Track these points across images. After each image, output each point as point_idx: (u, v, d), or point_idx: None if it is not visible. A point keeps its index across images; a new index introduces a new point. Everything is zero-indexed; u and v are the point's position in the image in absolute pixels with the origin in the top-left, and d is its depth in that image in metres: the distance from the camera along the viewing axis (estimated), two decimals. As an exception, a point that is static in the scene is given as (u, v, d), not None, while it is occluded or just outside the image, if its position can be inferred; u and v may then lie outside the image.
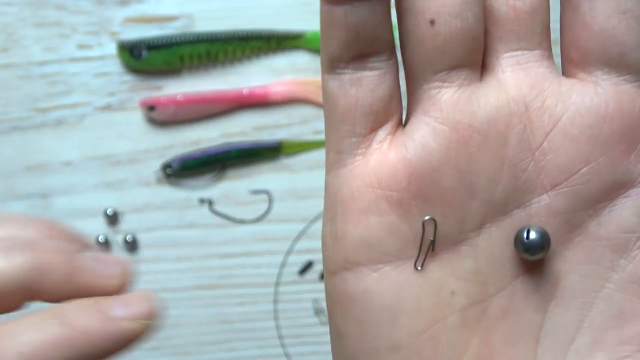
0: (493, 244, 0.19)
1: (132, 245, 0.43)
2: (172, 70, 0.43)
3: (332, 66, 0.19)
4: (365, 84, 0.19)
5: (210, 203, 0.43)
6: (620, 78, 0.19)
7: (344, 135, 0.19)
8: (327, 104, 0.20)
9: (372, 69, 0.19)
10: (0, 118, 0.43)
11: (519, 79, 0.19)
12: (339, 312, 0.20)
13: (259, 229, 0.43)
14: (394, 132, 0.20)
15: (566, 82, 0.19)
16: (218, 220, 0.43)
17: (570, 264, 0.19)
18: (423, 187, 0.19)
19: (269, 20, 0.43)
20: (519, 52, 0.19)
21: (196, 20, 0.44)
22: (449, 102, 0.19)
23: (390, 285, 0.19)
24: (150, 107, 0.42)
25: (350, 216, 0.19)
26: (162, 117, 0.43)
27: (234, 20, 0.43)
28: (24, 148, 0.43)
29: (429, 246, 0.19)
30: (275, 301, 0.43)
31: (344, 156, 0.20)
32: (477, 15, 0.19)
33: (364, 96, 0.19)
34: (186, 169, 0.43)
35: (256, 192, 0.43)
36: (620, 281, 0.19)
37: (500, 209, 0.19)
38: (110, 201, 0.43)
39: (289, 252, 0.43)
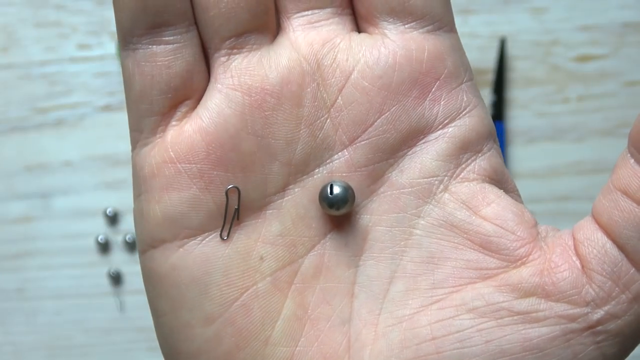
0: (298, 204, 0.19)
1: (132, 245, 0.43)
2: (172, 70, 0.43)
3: (125, 40, 0.19)
4: (160, 59, 0.18)
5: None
6: (406, 26, 0.19)
7: (143, 115, 0.19)
8: (124, 82, 0.19)
9: (166, 42, 0.18)
10: (0, 118, 0.43)
11: (309, 37, 0.19)
12: (151, 291, 0.20)
13: (259, 229, 0.43)
14: (195, 108, 0.19)
15: (356, 37, 0.19)
16: (218, 220, 0.43)
17: (377, 216, 0.19)
18: (222, 155, 0.19)
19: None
20: (310, 12, 0.19)
21: (196, 20, 0.44)
22: (240, 68, 0.19)
23: (197, 258, 0.19)
24: (150, 107, 0.42)
25: (152, 194, 0.19)
26: (162, 117, 0.43)
27: (234, 20, 0.43)
28: (24, 148, 0.43)
29: (233, 215, 0.19)
30: (275, 301, 0.43)
31: (144, 134, 0.19)
32: None
33: (159, 73, 0.19)
34: (186, 169, 0.43)
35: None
36: (427, 226, 0.19)
37: (301, 169, 0.19)
38: (110, 201, 0.43)
39: (289, 252, 0.43)
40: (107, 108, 0.43)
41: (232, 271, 0.19)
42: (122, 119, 0.43)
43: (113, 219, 0.43)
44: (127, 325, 0.43)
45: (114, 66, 0.43)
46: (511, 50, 0.43)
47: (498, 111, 0.43)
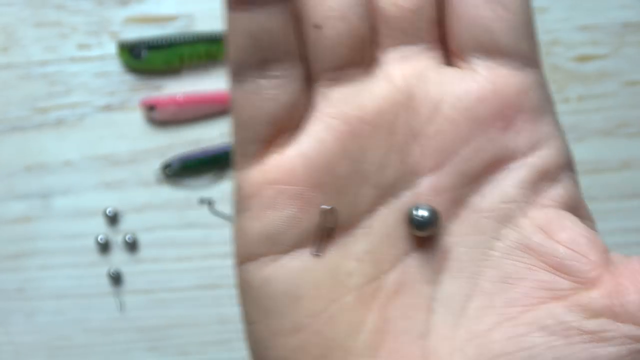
0: (385, 224, 0.20)
1: (132, 245, 0.43)
2: (172, 70, 0.43)
3: (235, 73, 0.20)
4: (267, 92, 0.20)
5: (210, 203, 0.43)
6: (495, 63, 0.20)
7: (248, 141, 0.20)
8: (232, 110, 0.21)
9: (274, 77, 0.20)
10: (0, 118, 0.43)
11: (404, 71, 0.20)
12: (245, 300, 0.21)
13: (259, 229, 0.43)
14: (296, 134, 0.20)
15: (447, 71, 0.20)
16: (218, 220, 0.43)
17: (458, 237, 0.20)
18: (319, 178, 0.20)
19: (269, 20, 0.43)
20: (404, 47, 0.21)
21: (196, 20, 0.44)
22: (340, 98, 0.20)
23: (290, 272, 0.20)
24: (150, 107, 0.42)
25: (252, 211, 0.20)
26: (162, 117, 0.43)
27: (234, 20, 0.43)
28: (24, 148, 0.43)
29: (326, 233, 0.20)
30: (275, 301, 0.43)
31: (248, 158, 0.21)
32: (361, 17, 0.20)
33: (266, 105, 0.20)
34: (186, 169, 0.43)
35: (256, 192, 0.44)
36: (505, 248, 0.20)
37: (390, 192, 0.20)
38: (110, 201, 0.43)
39: (289, 252, 0.43)
40: (107, 108, 0.43)
41: (321, 285, 0.20)
42: (122, 119, 0.43)
43: (113, 219, 0.43)
44: (127, 325, 0.43)
45: (114, 66, 0.43)
46: (511, 50, 0.44)
47: (498, 111, 0.43)
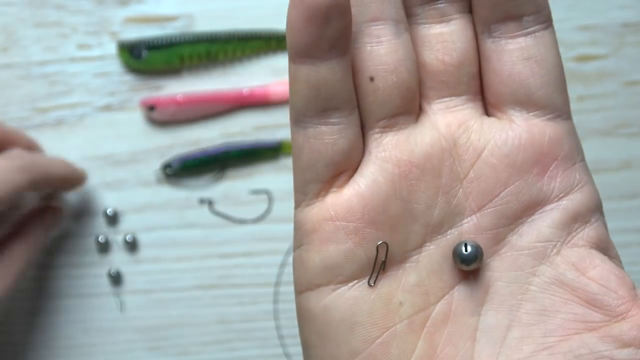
0: (432, 260, 0.22)
1: (132, 245, 0.43)
2: (172, 70, 0.43)
3: (297, 119, 0.22)
4: (327, 137, 0.22)
5: (210, 203, 0.43)
6: (531, 114, 0.22)
7: (308, 182, 0.22)
8: (293, 152, 0.23)
9: (333, 124, 0.22)
10: (0, 118, 0.43)
11: (448, 120, 0.22)
12: (305, 326, 0.23)
13: (259, 229, 0.43)
14: (352, 175, 0.23)
15: (487, 121, 0.23)
16: (218, 220, 0.43)
17: (498, 272, 0.22)
18: (374, 216, 0.22)
19: (269, 20, 0.43)
20: (448, 98, 0.23)
21: (196, 20, 0.44)
22: (391, 143, 0.22)
23: (347, 301, 0.22)
24: (150, 107, 0.42)
25: (312, 245, 0.22)
26: (162, 117, 0.43)
27: (234, 20, 0.43)
28: (24, 148, 0.43)
29: (380, 266, 0.22)
30: (275, 301, 0.43)
31: (308, 197, 0.23)
32: (410, 70, 0.22)
33: (325, 149, 0.22)
34: (186, 169, 0.43)
35: (256, 192, 0.43)
36: (541, 283, 0.21)
37: (436, 229, 0.22)
38: (110, 201, 0.43)
39: (289, 252, 0.43)
40: (107, 108, 0.43)
41: (375, 313, 0.22)
42: (122, 119, 0.43)
43: (113, 219, 0.43)
44: (127, 325, 0.43)
45: (114, 66, 0.43)
46: (511, 50, 0.43)
47: (498, 111, 0.43)
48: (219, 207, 0.43)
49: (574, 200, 0.22)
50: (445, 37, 0.23)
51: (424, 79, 0.23)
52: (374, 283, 0.22)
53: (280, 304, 0.43)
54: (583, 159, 0.23)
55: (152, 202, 0.43)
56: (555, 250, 0.22)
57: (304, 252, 0.23)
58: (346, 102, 0.22)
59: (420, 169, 0.22)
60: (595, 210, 0.22)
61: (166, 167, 0.43)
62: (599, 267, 0.21)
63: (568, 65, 0.44)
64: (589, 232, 0.22)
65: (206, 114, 0.43)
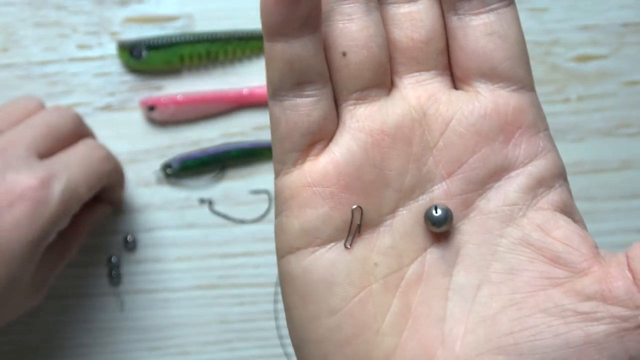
0: (405, 223, 0.24)
1: (132, 245, 0.43)
2: (172, 70, 0.43)
3: (274, 93, 0.23)
4: (302, 109, 0.23)
5: (210, 203, 0.43)
6: (496, 86, 0.23)
7: (286, 151, 0.24)
8: (272, 125, 0.24)
9: (308, 96, 0.23)
10: (0, 118, 0.43)
11: (418, 93, 0.24)
12: (286, 289, 0.24)
13: (259, 229, 0.43)
14: (327, 145, 0.24)
15: (455, 93, 0.24)
16: (218, 220, 0.43)
17: (468, 235, 0.23)
18: (349, 182, 0.23)
19: (269, 20, 0.43)
20: (418, 73, 0.24)
21: (196, 20, 0.44)
22: (364, 115, 0.24)
23: (325, 262, 0.23)
24: (150, 107, 0.42)
25: (291, 211, 0.24)
26: (162, 117, 0.43)
27: (234, 20, 0.43)
28: (24, 148, 0.43)
29: (356, 229, 0.23)
30: (275, 301, 0.43)
31: (286, 166, 0.24)
32: (381, 46, 0.23)
33: (301, 120, 0.23)
34: (186, 169, 0.43)
35: (256, 192, 0.43)
36: (508, 244, 0.23)
37: (409, 195, 0.24)
38: (110, 201, 0.43)
39: (289, 252, 0.43)
40: (107, 108, 0.43)
41: (352, 273, 0.23)
42: (122, 119, 0.43)
43: (113, 219, 0.43)
44: (127, 325, 0.43)
45: (114, 66, 0.43)
46: (511, 50, 0.43)
47: (498, 111, 0.43)
48: (219, 207, 0.43)
49: (538, 166, 0.23)
50: (413, 16, 0.24)
51: (395, 56, 0.24)
52: (350, 245, 0.23)
53: (280, 304, 0.43)
54: (547, 129, 0.24)
55: (152, 202, 0.43)
56: (521, 213, 0.23)
57: (284, 218, 0.24)
58: (319, 76, 0.23)
59: (391, 138, 0.23)
60: (559, 176, 0.24)
61: (166, 167, 0.43)
62: (562, 228, 0.22)
63: (568, 65, 0.44)
64: (553, 196, 0.23)
65: (206, 114, 0.43)
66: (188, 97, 0.43)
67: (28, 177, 0.32)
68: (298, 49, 0.22)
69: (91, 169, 0.36)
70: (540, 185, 0.23)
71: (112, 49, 0.43)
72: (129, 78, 0.43)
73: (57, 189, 0.33)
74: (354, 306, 0.23)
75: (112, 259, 0.43)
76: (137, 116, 0.43)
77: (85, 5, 0.43)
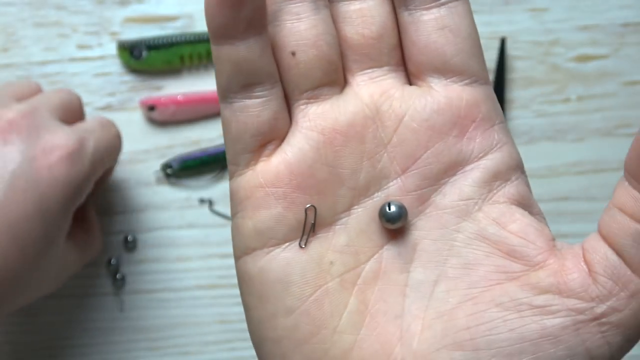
0: (361, 221, 0.23)
1: (132, 245, 0.43)
2: (172, 70, 0.43)
3: (223, 95, 0.23)
4: (252, 110, 0.23)
5: (210, 203, 0.43)
6: (449, 80, 0.23)
7: (238, 152, 0.24)
8: (223, 127, 0.24)
9: (256, 97, 0.23)
10: (0, 118, 0.43)
11: (371, 89, 0.24)
12: (244, 290, 0.24)
13: (259, 229, 0.43)
14: (279, 145, 0.24)
15: (408, 89, 0.24)
16: (218, 220, 0.43)
17: (424, 231, 0.23)
18: (302, 181, 0.23)
19: (269, 20, 0.43)
20: (370, 70, 0.24)
21: (196, 20, 0.44)
22: (316, 113, 0.23)
23: (280, 262, 0.23)
24: (150, 107, 0.42)
25: (246, 212, 0.24)
26: (162, 117, 0.43)
27: (234, 20, 0.43)
28: (24, 148, 0.43)
29: (310, 228, 0.23)
30: (275, 301, 0.43)
31: (240, 167, 0.24)
32: (330, 44, 0.23)
33: (251, 121, 0.23)
34: (186, 169, 0.43)
35: (256, 192, 0.43)
36: (464, 239, 0.23)
37: (363, 192, 0.23)
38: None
39: (289, 252, 0.43)
40: (107, 108, 0.43)
41: (308, 273, 0.23)
42: (122, 119, 0.43)
43: (113, 219, 0.43)
44: (127, 325, 0.43)
45: (114, 66, 0.43)
46: (511, 50, 0.43)
47: (498, 111, 0.43)
48: (219, 207, 0.43)
49: (494, 160, 0.23)
50: (364, 12, 0.24)
51: (347, 53, 0.24)
52: (305, 244, 0.23)
53: (280, 304, 0.43)
54: (502, 121, 0.24)
55: (152, 202, 0.43)
56: (476, 207, 0.23)
57: (239, 220, 0.24)
58: (268, 77, 0.23)
59: (344, 136, 0.23)
60: (515, 168, 0.23)
61: (166, 167, 0.43)
62: (518, 221, 0.22)
63: (568, 65, 0.44)
64: (509, 189, 0.23)
65: (206, 114, 0.43)
66: (188, 97, 0.43)
67: (64, 137, 0.33)
68: (244, 50, 0.22)
69: (110, 139, 0.37)
70: (496, 178, 0.23)
71: (112, 49, 0.43)
72: (129, 78, 0.43)
73: (89, 150, 0.34)
74: (310, 305, 0.23)
75: (112, 261, 0.43)
76: (137, 116, 0.43)
77: (85, 5, 0.43)
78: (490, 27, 0.44)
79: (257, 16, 0.22)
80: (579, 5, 0.44)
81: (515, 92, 0.44)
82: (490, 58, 0.43)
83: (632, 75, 0.44)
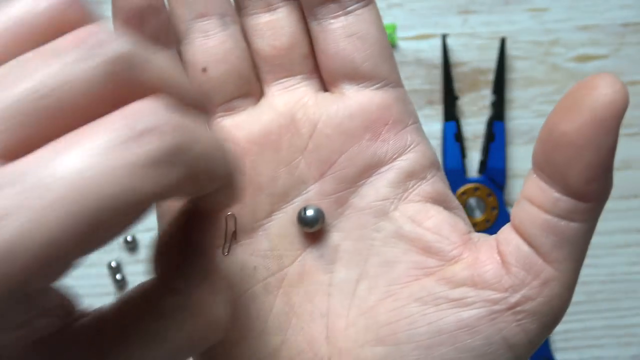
0: (282, 226, 0.24)
1: (132, 245, 0.43)
2: (172, 70, 0.43)
3: None
4: None
5: (210, 203, 0.43)
6: (360, 86, 0.24)
7: None
8: None
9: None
10: (0, 118, 0.43)
11: (285, 99, 0.24)
12: None
13: (259, 229, 0.43)
14: None
15: (322, 96, 0.24)
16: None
17: (344, 232, 0.24)
18: None
19: (269, 21, 0.43)
20: (285, 79, 0.25)
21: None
22: (231, 125, 0.24)
23: None
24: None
25: (164, 225, 0.23)
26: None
27: (234, 20, 0.43)
28: (24, 148, 0.43)
29: (231, 236, 0.24)
30: (276, 301, 0.43)
31: None
32: (240, 58, 0.24)
33: None
34: (186, 169, 0.43)
35: (256, 192, 0.43)
36: (383, 238, 0.23)
37: (283, 198, 0.24)
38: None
39: (289, 252, 0.43)
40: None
41: (232, 279, 0.23)
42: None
43: (113, 219, 0.43)
44: (127, 325, 0.43)
45: (114, 66, 0.43)
46: (511, 50, 0.43)
47: (498, 111, 0.43)
48: (219, 207, 0.43)
49: (408, 160, 0.24)
50: (274, 24, 0.25)
51: (261, 65, 0.25)
52: (227, 252, 0.24)
53: (280, 304, 0.43)
54: (415, 122, 0.25)
55: (152, 202, 0.43)
56: (393, 207, 0.23)
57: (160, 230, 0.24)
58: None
59: (258, 146, 0.24)
60: (430, 167, 0.24)
61: (166, 167, 0.43)
62: (433, 218, 0.23)
63: (568, 65, 0.44)
64: (425, 187, 0.24)
65: (206, 114, 0.43)
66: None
67: None
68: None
69: None
70: (411, 177, 0.24)
71: (112, 49, 0.43)
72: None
73: None
74: (237, 310, 0.23)
75: (112, 259, 0.43)
76: (137, 116, 0.43)
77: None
78: (490, 27, 0.44)
79: (161, 33, 0.23)
80: (579, 5, 0.44)
81: (515, 92, 0.44)
82: (490, 58, 0.43)
83: (632, 75, 0.44)
